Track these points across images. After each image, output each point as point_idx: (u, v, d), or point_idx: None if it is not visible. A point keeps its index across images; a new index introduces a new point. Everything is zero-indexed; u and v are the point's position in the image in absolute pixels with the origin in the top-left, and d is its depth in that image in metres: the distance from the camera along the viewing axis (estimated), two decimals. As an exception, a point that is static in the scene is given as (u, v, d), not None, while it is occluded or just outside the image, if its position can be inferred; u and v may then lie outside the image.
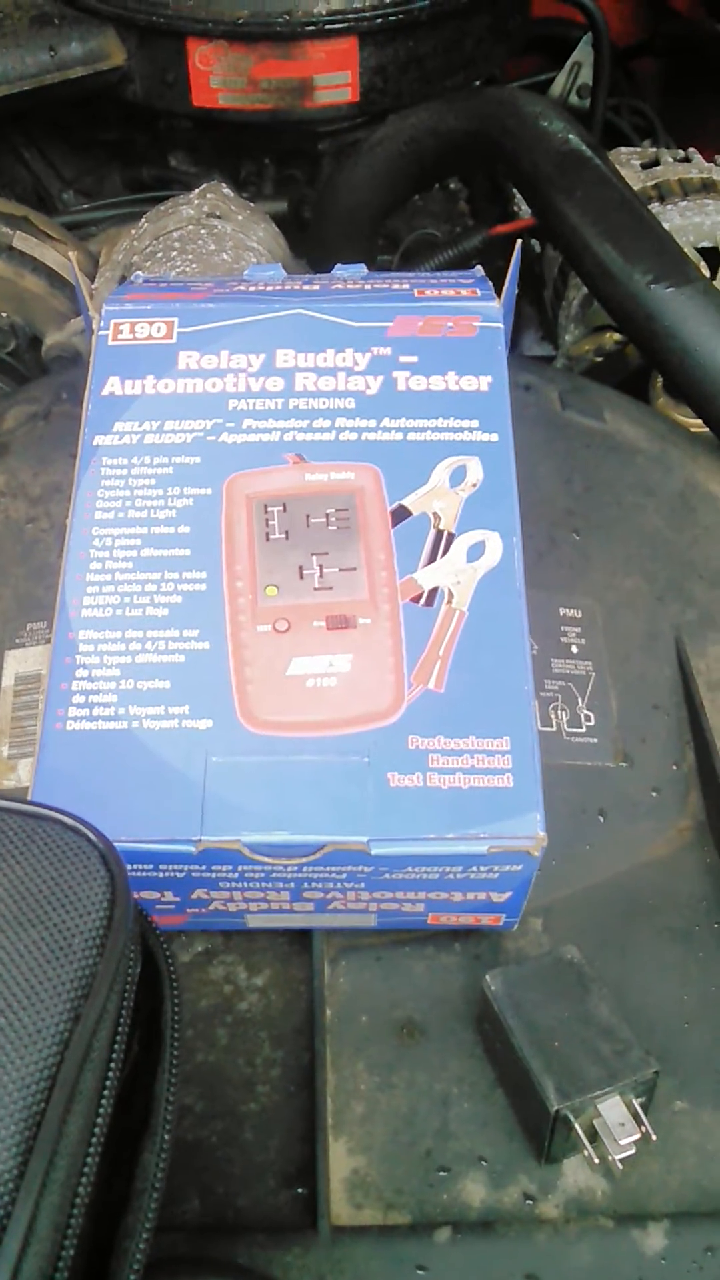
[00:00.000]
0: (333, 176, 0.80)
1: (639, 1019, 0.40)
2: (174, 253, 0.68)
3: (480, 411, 0.46)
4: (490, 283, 0.50)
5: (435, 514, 0.44)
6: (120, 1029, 0.28)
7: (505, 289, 0.49)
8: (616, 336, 0.71)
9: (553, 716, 0.48)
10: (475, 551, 0.43)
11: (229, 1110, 0.39)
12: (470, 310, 0.48)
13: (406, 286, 0.50)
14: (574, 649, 0.50)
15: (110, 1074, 0.28)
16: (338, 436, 0.45)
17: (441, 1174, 0.38)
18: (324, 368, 0.47)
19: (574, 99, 0.94)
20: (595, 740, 0.48)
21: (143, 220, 0.71)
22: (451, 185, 0.91)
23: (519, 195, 0.87)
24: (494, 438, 0.45)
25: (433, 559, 0.43)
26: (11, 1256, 0.24)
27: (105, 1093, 0.27)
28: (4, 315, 0.73)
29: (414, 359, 0.47)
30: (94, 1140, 0.27)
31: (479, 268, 0.53)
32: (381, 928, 0.42)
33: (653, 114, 0.97)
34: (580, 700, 0.49)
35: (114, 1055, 0.28)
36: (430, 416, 0.46)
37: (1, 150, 0.88)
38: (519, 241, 0.51)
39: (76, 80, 0.77)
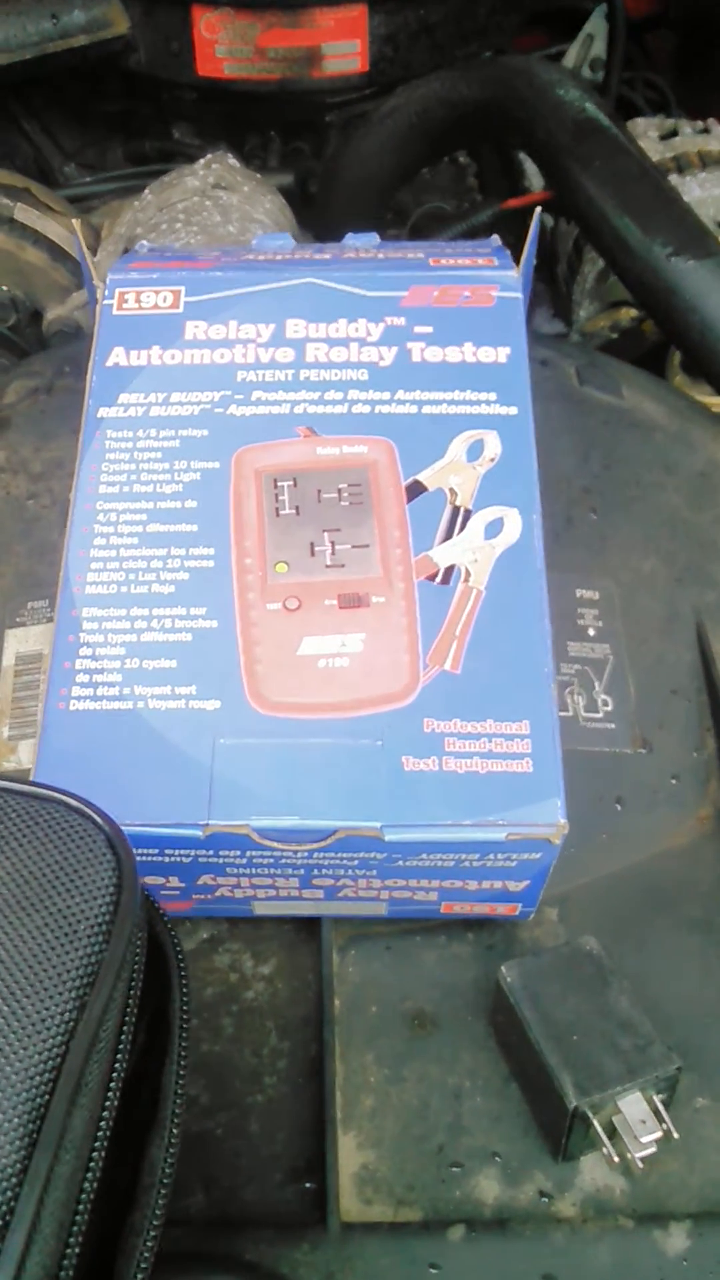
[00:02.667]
0: (341, 148, 0.78)
1: (658, 1013, 0.39)
2: (178, 224, 0.66)
3: (499, 384, 0.44)
4: (508, 252, 0.49)
5: (452, 489, 0.42)
6: (127, 1018, 0.27)
7: (523, 259, 0.48)
8: (633, 312, 0.69)
9: (569, 701, 0.47)
10: (493, 528, 0.41)
11: (235, 1102, 0.38)
12: (488, 280, 0.47)
13: (421, 255, 0.48)
14: (591, 631, 0.48)
15: (117, 1064, 0.26)
16: (350, 409, 0.44)
17: (454, 1170, 0.37)
18: (336, 338, 0.45)
19: (586, 72, 0.92)
20: (613, 726, 0.46)
21: (146, 191, 0.70)
22: (460, 159, 0.89)
23: (529, 170, 0.85)
24: (513, 411, 0.44)
25: (449, 536, 0.41)
26: (15, 1254, 0.23)
27: (111, 1084, 0.26)
28: (4, 289, 0.71)
29: (429, 329, 0.45)
30: (100, 1133, 0.26)
31: (495, 237, 0.51)
32: (392, 916, 0.41)
33: (667, 87, 0.95)
34: (597, 684, 0.47)
35: (120, 1045, 0.27)
36: (446, 389, 0.44)
37: (2, 121, 0.86)
38: (538, 210, 0.50)
39: (79, 49, 0.75)
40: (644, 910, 0.43)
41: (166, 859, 0.37)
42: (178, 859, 0.37)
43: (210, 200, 0.67)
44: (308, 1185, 0.36)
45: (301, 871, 0.37)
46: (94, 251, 0.69)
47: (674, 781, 0.46)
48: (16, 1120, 0.24)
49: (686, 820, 0.45)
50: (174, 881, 0.38)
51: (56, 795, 0.30)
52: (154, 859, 0.37)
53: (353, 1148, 0.37)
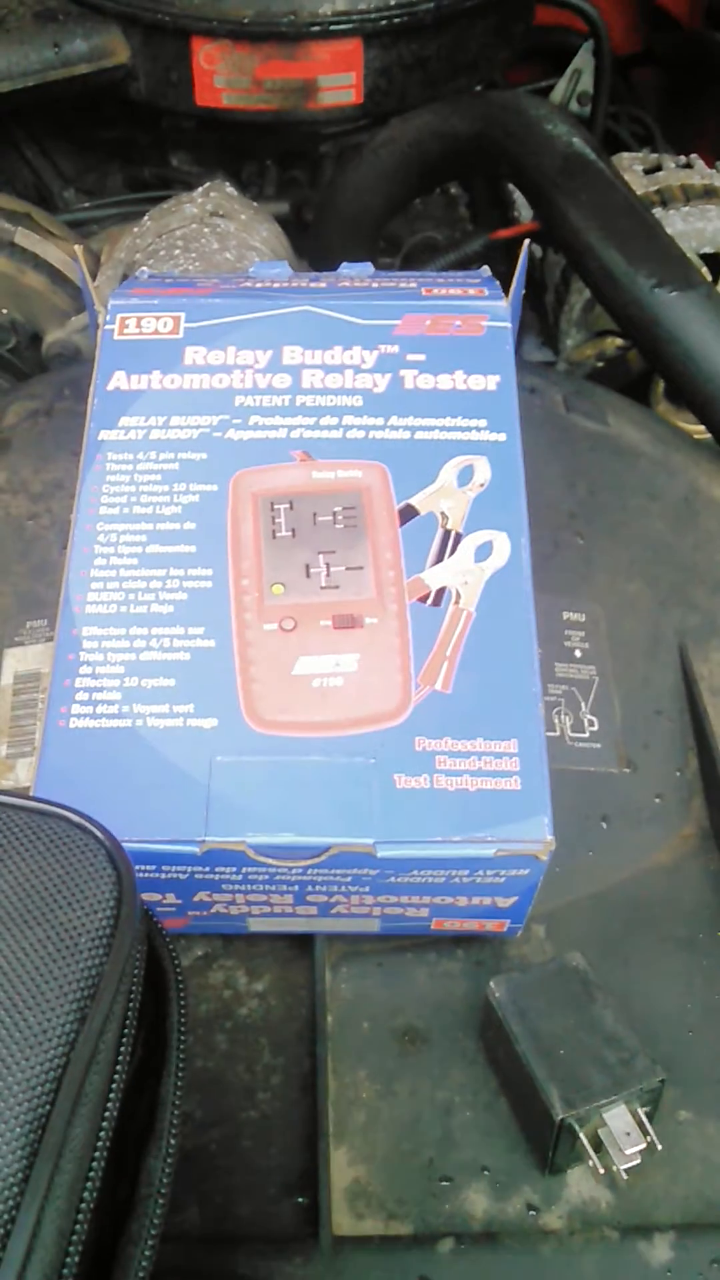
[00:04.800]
0: (335, 178, 0.80)
1: (642, 1028, 0.39)
2: (177, 251, 0.68)
3: (488, 411, 0.45)
4: (498, 282, 0.50)
5: (443, 513, 0.43)
6: (126, 1030, 0.28)
7: (513, 289, 0.49)
8: (618, 342, 0.71)
9: (556, 721, 0.47)
10: (483, 551, 0.42)
11: (228, 1117, 0.38)
12: (478, 309, 0.48)
13: (414, 285, 0.50)
14: (577, 653, 0.49)
15: (116, 1076, 0.27)
16: (345, 434, 0.45)
17: (444, 1184, 0.37)
18: (331, 365, 0.47)
19: (574, 106, 0.94)
20: (598, 745, 0.47)
21: (145, 218, 0.71)
22: (452, 190, 0.91)
23: (519, 200, 0.87)
24: (502, 437, 0.45)
25: (440, 559, 0.42)
26: (16, 1261, 0.23)
27: (111, 1095, 0.27)
28: (4, 312, 0.72)
29: (421, 357, 0.47)
30: (99, 1144, 0.26)
31: (486, 268, 0.52)
32: (384, 933, 0.42)
33: (652, 122, 0.97)
34: (583, 705, 0.48)
35: (120, 1057, 0.27)
36: (438, 415, 0.45)
37: (3, 147, 0.88)
38: (526, 242, 0.51)
39: (80, 77, 0.77)
40: (629, 927, 0.44)
41: (163, 875, 0.37)
42: (174, 875, 0.37)
43: (208, 228, 0.68)
44: (300, 1200, 0.37)
45: (296, 888, 0.38)
46: (93, 276, 0.71)
47: (658, 800, 0.47)
48: (18, 1130, 0.25)
49: (670, 838, 0.46)
50: (170, 898, 0.39)
51: (58, 810, 0.30)
52: (151, 875, 0.37)
53: (344, 1162, 0.37)
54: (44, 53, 0.76)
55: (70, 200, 0.88)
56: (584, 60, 0.92)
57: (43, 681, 0.47)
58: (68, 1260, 0.25)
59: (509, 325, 0.48)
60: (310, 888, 0.38)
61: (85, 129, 0.88)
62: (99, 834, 0.30)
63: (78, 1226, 0.25)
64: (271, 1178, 0.37)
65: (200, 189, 0.71)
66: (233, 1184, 0.37)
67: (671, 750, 0.48)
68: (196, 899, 0.39)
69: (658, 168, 0.74)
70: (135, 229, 0.70)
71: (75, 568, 0.42)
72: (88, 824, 0.30)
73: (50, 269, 0.72)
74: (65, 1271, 0.25)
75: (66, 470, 0.53)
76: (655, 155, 0.76)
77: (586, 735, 0.47)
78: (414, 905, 0.39)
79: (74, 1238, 0.25)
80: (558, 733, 0.47)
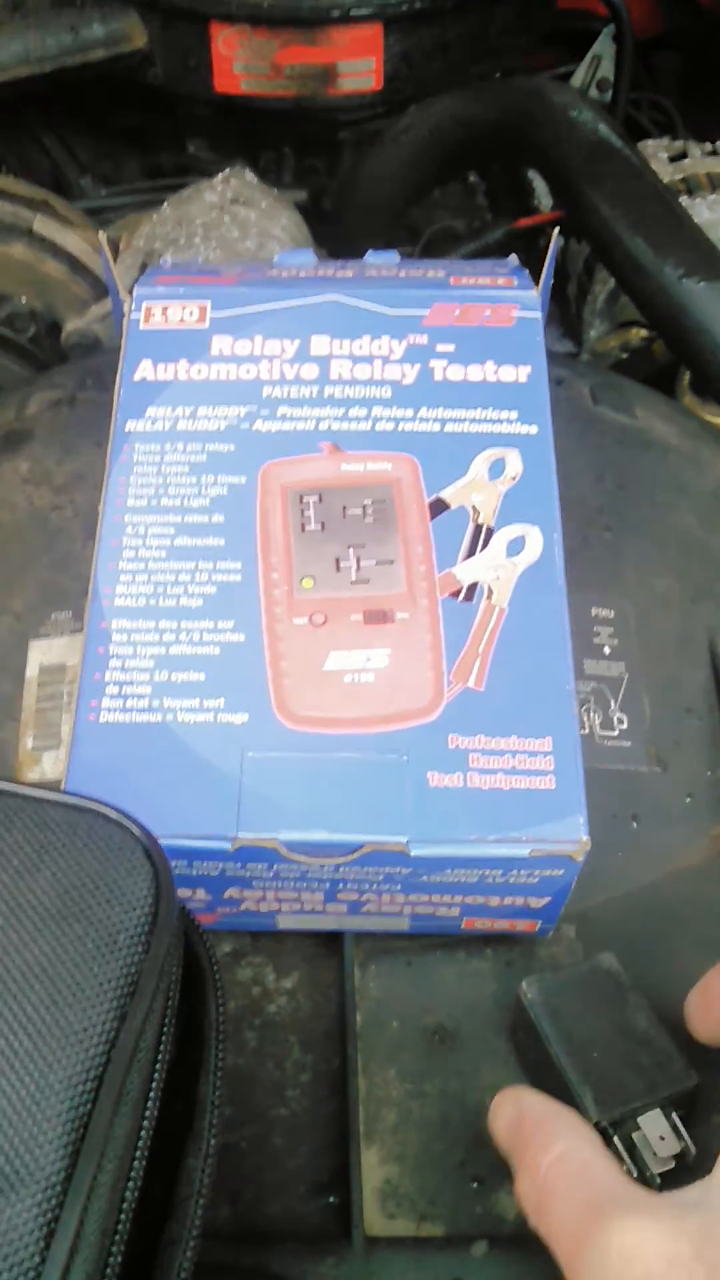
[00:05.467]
0: (355, 166, 0.79)
1: (672, 1030, 0.39)
2: (197, 239, 0.67)
3: (519, 402, 0.45)
4: (526, 271, 0.50)
5: (474, 507, 0.43)
6: (165, 1028, 0.27)
7: (542, 279, 0.48)
8: (643, 333, 0.70)
9: (585, 719, 0.47)
10: (515, 546, 0.42)
11: (258, 1115, 0.38)
12: (508, 299, 0.47)
13: (442, 274, 0.49)
14: (606, 650, 0.49)
15: (155, 1074, 0.27)
16: (374, 426, 0.44)
17: (475, 1185, 0.37)
18: (360, 355, 0.46)
19: (593, 92, 0.93)
20: (628, 744, 0.47)
21: (164, 205, 0.70)
22: (470, 178, 0.90)
23: (538, 189, 0.86)
24: (533, 430, 0.44)
25: (471, 553, 0.42)
26: (60, 1261, 0.23)
27: (151, 1094, 0.26)
28: (23, 300, 0.72)
29: (451, 347, 0.46)
30: (140, 1143, 0.26)
31: (514, 256, 0.52)
32: (414, 931, 0.41)
33: (673, 109, 0.96)
34: (613, 702, 0.48)
35: (159, 1055, 0.27)
36: (468, 407, 0.45)
37: (20, 134, 0.87)
38: (555, 230, 0.50)
39: (97, 63, 0.76)
40: (660, 928, 0.43)
41: (194, 871, 0.37)
42: (205, 871, 0.37)
43: (228, 215, 0.67)
44: (330, 1199, 0.36)
45: (327, 885, 0.38)
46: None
47: (689, 800, 0.46)
48: (61, 1129, 0.25)
49: (701, 838, 0.46)
50: (200, 894, 0.38)
51: (94, 806, 0.30)
52: (182, 871, 0.37)
53: (375, 1162, 0.37)
54: (61, 38, 0.75)
55: (87, 188, 0.87)
56: (604, 46, 0.91)
57: (68, 674, 0.47)
58: (110, 1260, 0.25)
59: (539, 315, 0.47)
60: (341, 885, 0.38)
61: (102, 115, 0.87)
62: (135, 830, 0.30)
63: (120, 1226, 0.25)
64: (302, 1176, 0.37)
65: (220, 176, 0.71)
66: (263, 1181, 0.37)
67: (702, 749, 0.47)
68: (226, 895, 0.39)
69: (683, 155, 0.73)
70: (154, 216, 0.70)
71: (104, 560, 0.41)
72: (124, 819, 0.30)
73: (69, 257, 0.71)
74: (108, 1272, 0.24)
75: (89, 461, 0.53)
76: (680, 143, 0.75)
77: (616, 733, 0.47)
78: (445, 904, 0.39)
79: (116, 1237, 0.25)
80: (587, 730, 0.47)
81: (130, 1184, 0.25)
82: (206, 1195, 0.28)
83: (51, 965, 0.26)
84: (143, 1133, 0.26)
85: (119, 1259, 0.24)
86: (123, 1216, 0.25)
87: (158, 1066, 0.27)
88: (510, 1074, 0.39)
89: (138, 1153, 0.26)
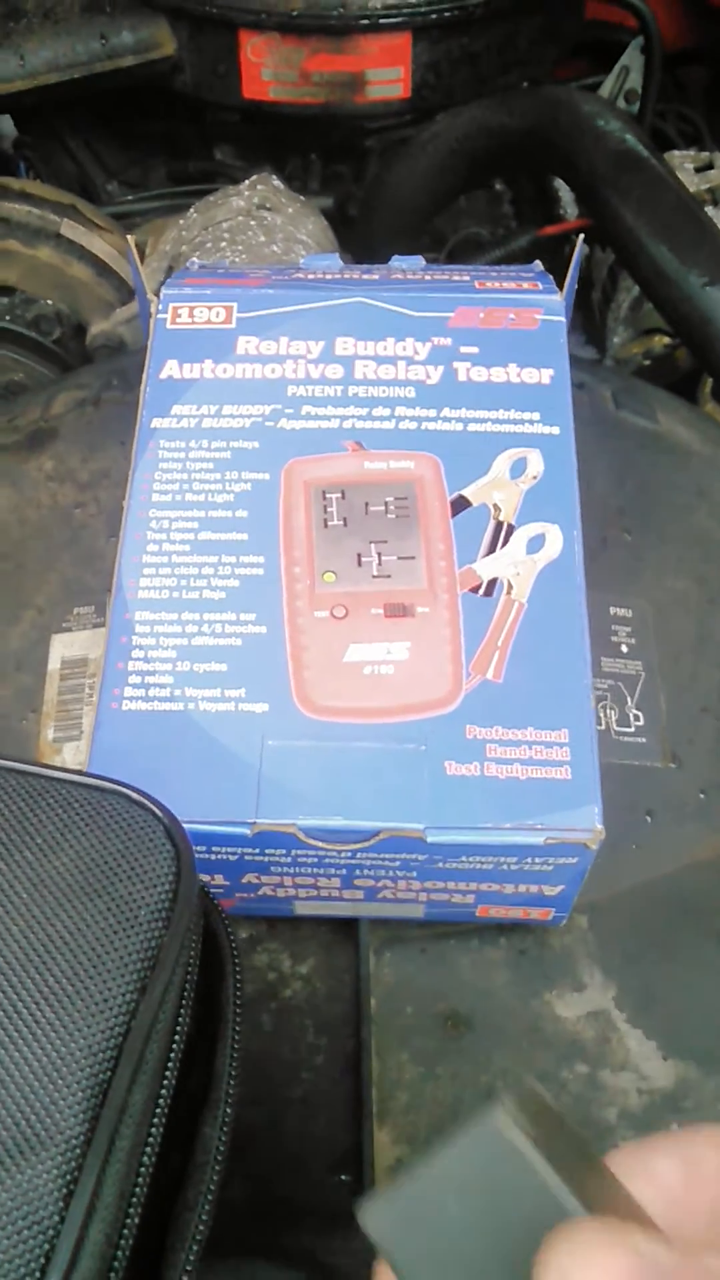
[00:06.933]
0: (382, 173, 0.80)
1: (683, 1022, 0.39)
2: (223, 244, 0.68)
3: (542, 404, 0.45)
4: (551, 276, 0.50)
5: (495, 505, 0.43)
6: (184, 1001, 0.28)
7: (566, 284, 0.49)
8: (666, 340, 0.70)
9: (602, 715, 0.48)
10: (535, 544, 0.42)
11: (274, 1095, 0.38)
12: (532, 303, 0.48)
13: (467, 278, 0.50)
14: (624, 648, 0.49)
15: (174, 1046, 0.27)
16: (397, 425, 0.45)
17: (486, 1169, 0.38)
18: (384, 356, 0.47)
19: (621, 103, 0.93)
20: (644, 740, 0.47)
21: (191, 210, 0.72)
22: (496, 186, 0.91)
23: (564, 197, 0.87)
24: (555, 431, 0.45)
25: (492, 550, 0.42)
26: (78, 1219, 0.24)
27: (169, 1064, 0.27)
28: (50, 303, 0.73)
29: (475, 350, 0.47)
30: (158, 1111, 0.27)
31: (538, 262, 0.52)
32: (429, 919, 0.42)
33: (700, 121, 0.97)
34: (629, 700, 0.48)
35: (178, 1027, 0.28)
36: (491, 408, 0.45)
37: (48, 140, 0.89)
38: (581, 237, 0.51)
39: (126, 69, 0.77)
40: (672, 921, 0.44)
41: (213, 856, 0.38)
42: (224, 856, 0.38)
43: (255, 220, 0.69)
44: (343, 1177, 0.37)
45: (344, 872, 0.38)
46: (139, 267, 0.71)
47: (702, 796, 0.47)
48: (81, 1095, 0.25)
49: (714, 834, 0.46)
50: (219, 879, 0.39)
51: (117, 787, 0.31)
52: (202, 856, 0.38)
53: (388, 1141, 0.38)
54: (91, 45, 0.77)
55: (114, 193, 0.89)
56: (632, 58, 0.92)
57: (89, 667, 0.48)
58: (128, 1221, 0.25)
59: (563, 319, 0.48)
60: (358, 872, 0.38)
61: (130, 122, 0.89)
62: (157, 811, 0.31)
63: (137, 1189, 0.26)
64: (316, 1155, 0.37)
65: (247, 182, 0.72)
66: (278, 1159, 0.37)
67: (717, 747, 0.48)
68: (245, 881, 0.39)
69: (709, 166, 0.73)
70: (181, 221, 0.71)
71: (128, 553, 0.42)
72: (146, 800, 0.31)
73: (96, 260, 0.72)
74: (125, 1232, 0.25)
75: (114, 460, 0.54)
76: (707, 154, 0.75)
77: (632, 730, 0.47)
78: (460, 892, 0.40)
79: (134, 1199, 0.25)
80: (603, 726, 0.47)
81: (148, 1150, 0.26)
82: (223, 1164, 0.28)
83: (74, 939, 0.27)
84: (161, 1101, 0.27)
85: (135, 1220, 0.25)
86: (140, 1180, 0.26)
87: (176, 1038, 0.28)
88: (522, 1059, 0.40)
89: (155, 1120, 0.26)
